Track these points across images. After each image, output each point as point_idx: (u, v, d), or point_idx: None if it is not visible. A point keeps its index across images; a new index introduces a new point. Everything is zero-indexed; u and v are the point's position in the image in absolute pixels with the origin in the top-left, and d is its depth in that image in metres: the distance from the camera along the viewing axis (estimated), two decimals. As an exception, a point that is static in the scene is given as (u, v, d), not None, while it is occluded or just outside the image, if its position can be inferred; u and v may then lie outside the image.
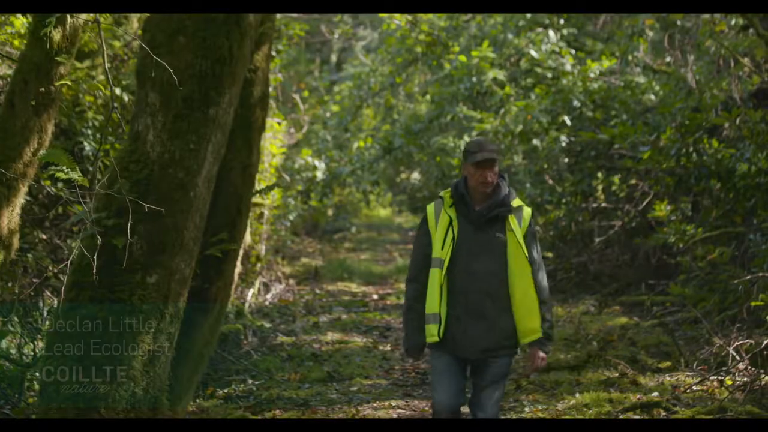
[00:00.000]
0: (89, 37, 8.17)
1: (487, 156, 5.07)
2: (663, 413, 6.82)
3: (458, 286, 5.13)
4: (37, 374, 6.32)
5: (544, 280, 5.22)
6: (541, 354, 5.17)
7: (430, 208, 5.29)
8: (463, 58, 13.86)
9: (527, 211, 5.24)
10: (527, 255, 5.11)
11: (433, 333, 5.14)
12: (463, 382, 5.30)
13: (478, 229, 5.13)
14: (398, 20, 14.67)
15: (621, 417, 6.81)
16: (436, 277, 5.15)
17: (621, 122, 11.43)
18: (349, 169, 14.51)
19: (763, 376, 7.23)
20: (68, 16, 5.79)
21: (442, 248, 5.13)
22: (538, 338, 5.16)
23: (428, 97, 16.43)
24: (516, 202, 5.21)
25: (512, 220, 5.14)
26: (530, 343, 5.18)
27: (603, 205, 12.90)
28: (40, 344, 6.74)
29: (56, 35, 5.79)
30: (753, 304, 7.66)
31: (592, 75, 12.68)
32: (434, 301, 5.15)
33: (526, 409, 7.25)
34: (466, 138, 13.02)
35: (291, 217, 15.46)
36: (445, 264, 5.13)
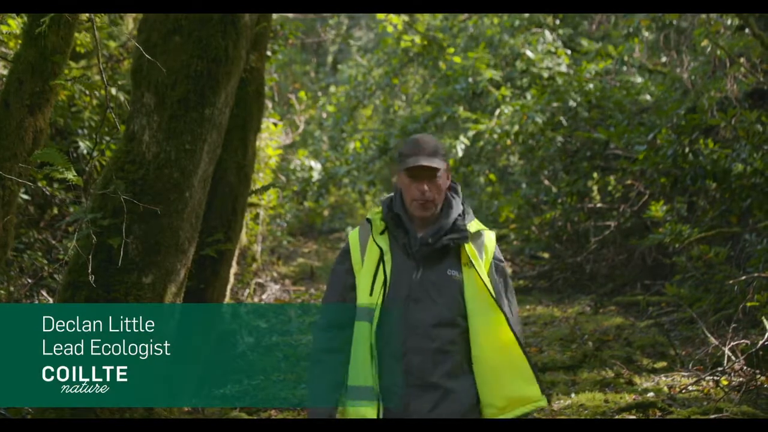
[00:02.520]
0: (84, 37, 8.16)
1: (423, 162, 3.67)
2: (659, 413, 6.82)
3: (395, 345, 3.75)
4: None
5: (521, 333, 3.84)
6: None
7: (354, 236, 3.88)
8: (458, 59, 13.86)
9: (490, 237, 3.86)
10: (495, 297, 3.74)
11: (365, 415, 3.74)
12: None
13: (422, 264, 3.75)
14: (394, 22, 14.66)
15: (617, 417, 6.81)
16: (364, 335, 3.76)
17: (617, 122, 11.43)
18: (345, 170, 14.50)
19: (758, 376, 7.23)
20: (63, 15, 5.78)
21: (371, 293, 3.75)
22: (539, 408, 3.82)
23: (425, 97, 16.42)
24: (474, 225, 3.82)
25: (470, 251, 3.76)
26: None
27: (599, 205, 12.90)
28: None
29: (51, 35, 5.78)
30: (749, 304, 7.66)
31: (588, 75, 12.69)
32: (365, 370, 3.75)
33: (522, 410, 7.23)
34: (462, 138, 13.01)
35: (287, 218, 15.46)
36: (376, 315, 3.73)
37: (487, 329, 3.74)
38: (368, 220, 3.86)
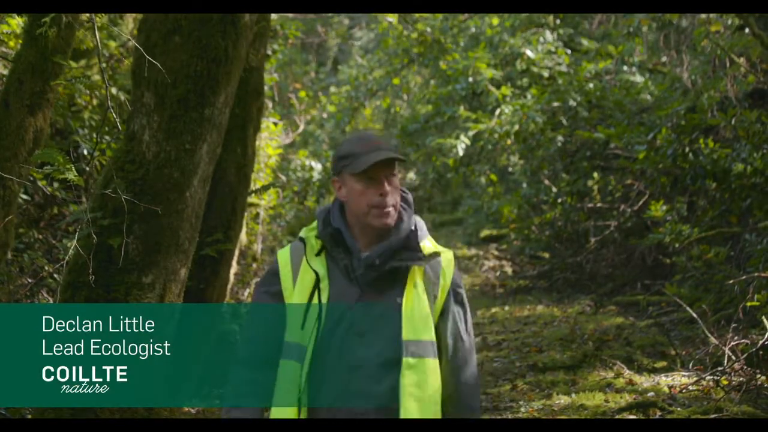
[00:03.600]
0: (84, 37, 8.16)
1: (383, 156, 3.07)
2: (659, 413, 6.82)
3: (333, 390, 3.10)
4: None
5: (471, 376, 3.25)
6: None
7: (284, 255, 3.24)
8: (456, 55, 13.85)
9: (449, 259, 3.22)
10: (446, 331, 3.18)
11: None
12: None
13: (367, 291, 3.12)
14: (391, 19, 14.67)
15: (617, 417, 6.81)
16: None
17: (617, 122, 11.44)
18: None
19: (758, 376, 7.23)
20: (63, 15, 5.78)
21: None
22: None
23: (425, 97, 16.42)
24: (429, 244, 3.22)
25: (420, 275, 3.15)
26: None
27: (599, 205, 12.90)
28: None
29: (51, 35, 5.78)
30: (749, 304, 7.66)
31: (588, 75, 12.69)
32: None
33: (522, 410, 7.24)
34: (463, 137, 13.01)
35: (287, 218, 15.45)
36: (308, 354, 3.09)
37: (416, 378, 3.10)
38: (300, 240, 3.21)
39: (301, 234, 3.25)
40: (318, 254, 3.19)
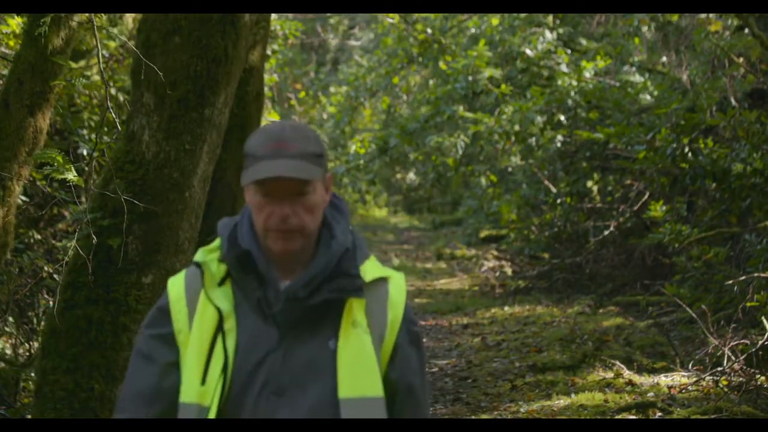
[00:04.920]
0: (84, 37, 8.16)
1: (283, 171, 2.27)
2: (658, 413, 6.83)
3: None
4: (33, 374, 6.32)
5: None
6: None
7: (176, 286, 2.44)
8: (457, 56, 13.86)
9: (399, 287, 2.46)
10: (398, 383, 2.42)
11: None
12: None
13: (289, 333, 2.34)
14: (392, 18, 14.68)
15: (616, 417, 6.81)
16: None
17: (616, 122, 11.44)
18: (345, 169, 14.52)
19: (758, 376, 7.24)
20: (63, 16, 5.78)
21: (204, 382, 2.34)
22: None
23: (425, 97, 16.43)
24: (372, 268, 2.44)
25: (361, 310, 2.38)
26: None
27: (598, 205, 12.91)
28: (36, 344, 6.73)
29: (51, 35, 5.78)
30: (748, 304, 7.67)
31: (587, 75, 12.69)
32: None
33: (522, 410, 7.25)
34: (462, 137, 13.02)
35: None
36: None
37: None
38: (196, 266, 2.40)
39: (197, 257, 2.41)
40: (221, 284, 2.37)
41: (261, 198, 2.32)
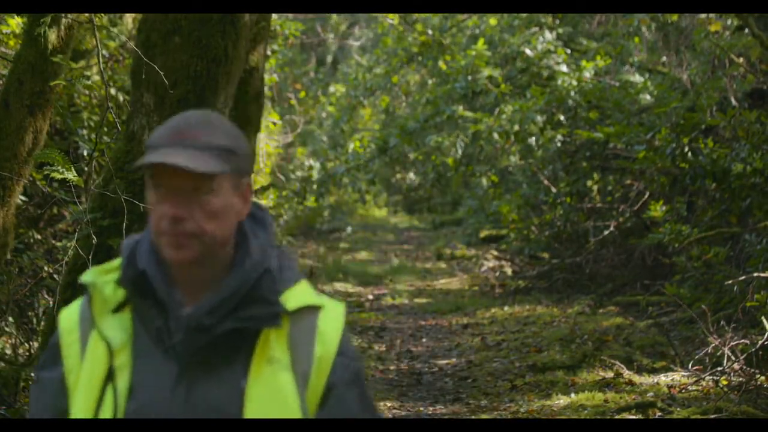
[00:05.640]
0: (84, 37, 8.16)
1: (171, 159, 1.88)
2: (658, 413, 6.83)
3: None
4: (33, 374, 6.32)
5: None
6: None
7: (68, 316, 2.06)
8: (457, 56, 13.86)
9: (333, 315, 2.05)
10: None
11: None
12: None
13: (192, 368, 1.95)
14: (391, 19, 14.69)
15: (616, 417, 6.81)
16: None
17: (616, 122, 11.44)
18: (345, 169, 14.53)
19: (758, 376, 7.24)
20: (63, 16, 5.78)
21: None
22: None
23: (424, 96, 16.44)
24: (299, 293, 2.02)
25: (281, 342, 1.98)
26: None
27: (598, 205, 12.91)
28: (36, 344, 6.74)
29: (51, 35, 5.78)
30: (748, 304, 7.67)
31: (587, 75, 12.69)
32: None
33: (522, 410, 7.25)
34: (462, 137, 13.02)
35: (286, 217, 15.47)
36: None
37: None
38: (85, 292, 2.02)
39: (86, 277, 2.01)
40: (117, 311, 1.99)
41: (153, 194, 1.94)
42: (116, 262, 2.03)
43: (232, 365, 1.95)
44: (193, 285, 1.98)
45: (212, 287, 1.97)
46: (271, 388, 1.95)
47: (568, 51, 13.75)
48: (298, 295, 2.01)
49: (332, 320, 2.03)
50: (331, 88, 19.71)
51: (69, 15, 5.75)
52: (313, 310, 2.02)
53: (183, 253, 1.92)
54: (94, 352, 1.97)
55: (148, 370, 1.94)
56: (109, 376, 1.94)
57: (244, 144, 2.04)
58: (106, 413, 1.92)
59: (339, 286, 14.53)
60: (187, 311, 1.95)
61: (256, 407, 1.93)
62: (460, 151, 13.14)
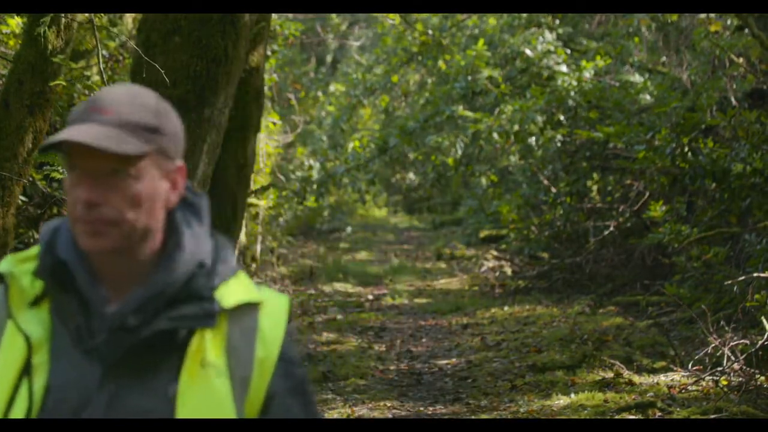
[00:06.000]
0: (84, 37, 8.16)
1: (79, 136, 1.67)
2: (658, 413, 6.83)
3: None
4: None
5: None
6: None
7: None
8: (456, 56, 13.87)
9: (275, 311, 1.85)
10: None
11: None
12: None
13: (116, 372, 1.73)
14: (392, 19, 14.69)
15: (616, 417, 6.81)
16: None
17: (616, 122, 11.45)
18: (344, 169, 14.53)
19: (758, 376, 7.24)
20: (63, 16, 5.78)
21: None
22: None
23: (424, 96, 16.44)
24: (236, 288, 1.81)
25: (217, 344, 1.77)
26: None
27: (598, 205, 12.91)
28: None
29: (51, 35, 5.78)
30: (748, 304, 7.67)
31: (587, 75, 12.69)
32: None
33: (522, 410, 7.25)
34: (462, 137, 13.01)
35: (286, 218, 15.47)
36: None
37: None
38: (2, 277, 1.82)
39: (2, 267, 1.82)
40: (35, 304, 1.78)
41: (69, 177, 1.73)
42: (34, 249, 1.82)
43: (161, 370, 1.74)
44: (119, 280, 1.77)
45: (140, 283, 1.76)
46: (205, 395, 1.74)
47: (568, 51, 13.76)
48: (235, 290, 1.81)
49: (275, 317, 1.84)
50: (331, 88, 19.72)
51: (69, 15, 5.75)
52: (253, 307, 1.82)
53: (98, 241, 1.71)
54: (11, 346, 1.76)
55: (67, 372, 1.73)
56: (25, 372, 1.74)
57: (173, 123, 1.81)
58: (17, 413, 1.72)
59: (339, 286, 14.53)
60: (112, 309, 1.75)
61: (187, 415, 1.73)
62: (459, 151, 13.14)
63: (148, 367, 1.74)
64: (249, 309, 1.81)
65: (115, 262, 1.76)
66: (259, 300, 1.83)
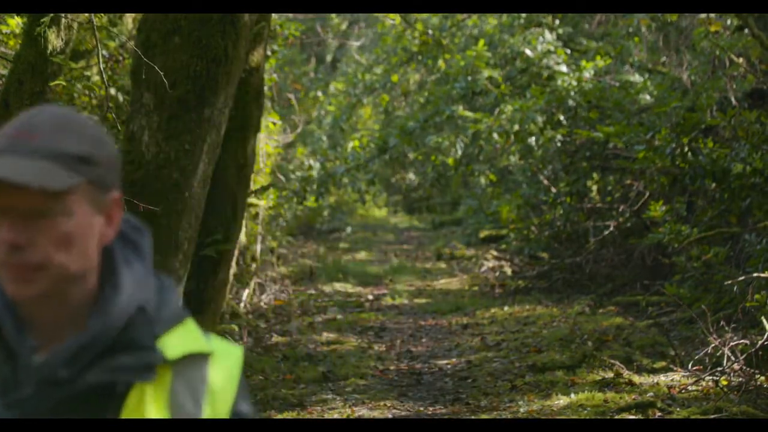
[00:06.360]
0: (84, 37, 8.16)
1: (3, 169, 1.46)
2: (658, 413, 6.83)
3: None
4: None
5: None
6: None
7: None
8: (456, 56, 13.87)
9: (226, 366, 1.65)
10: None
11: None
12: None
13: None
14: (392, 19, 14.70)
15: (616, 417, 6.81)
16: None
17: (616, 122, 11.45)
18: (344, 169, 14.52)
19: (758, 376, 7.24)
20: (63, 16, 5.79)
21: None
22: None
23: (423, 96, 16.44)
24: (183, 336, 1.60)
25: (159, 399, 1.55)
26: None
27: (598, 205, 12.91)
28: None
29: (51, 35, 5.78)
30: (748, 304, 7.67)
31: (587, 75, 12.69)
32: None
33: (522, 410, 7.25)
34: (462, 137, 13.01)
35: (287, 218, 15.47)
36: None
37: None
38: None
39: None
40: None
41: None
42: None
43: None
44: (50, 327, 1.56)
45: (72, 330, 1.56)
46: None
47: (568, 51, 13.76)
48: (181, 339, 1.59)
49: (226, 371, 1.64)
50: (331, 88, 19.72)
51: (69, 15, 5.75)
52: (201, 358, 1.61)
53: (25, 289, 1.51)
54: None
55: None
56: None
57: (108, 150, 1.58)
58: None
59: (339, 286, 14.53)
60: (39, 360, 1.53)
61: None
62: (459, 151, 13.14)
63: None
64: (197, 361, 1.61)
65: (44, 309, 1.56)
66: (209, 351, 1.62)
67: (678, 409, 6.87)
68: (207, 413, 1.59)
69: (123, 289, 1.56)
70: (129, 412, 1.53)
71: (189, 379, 1.59)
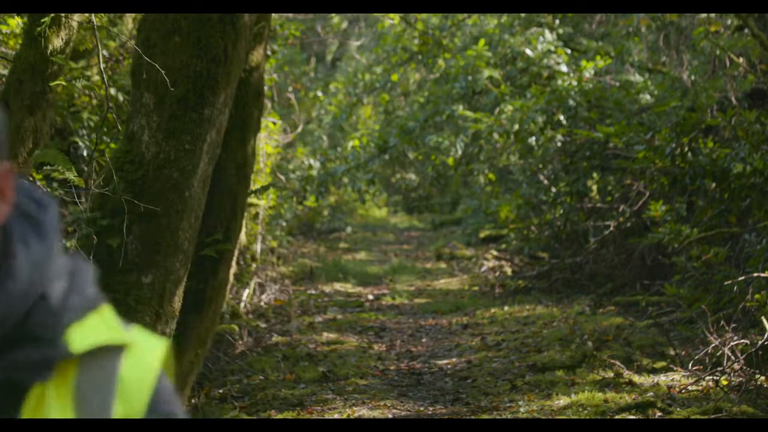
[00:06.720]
0: (84, 37, 8.16)
1: None
2: (658, 413, 6.83)
3: None
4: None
5: None
6: None
7: None
8: (457, 56, 13.87)
9: (142, 359, 1.39)
10: None
11: None
12: None
13: None
14: (392, 19, 14.70)
15: (616, 417, 6.81)
16: None
17: (616, 122, 11.45)
18: (344, 168, 14.52)
19: (758, 376, 7.24)
20: (63, 16, 5.78)
21: None
22: None
23: (423, 96, 16.44)
24: (93, 327, 1.36)
25: (63, 397, 1.33)
26: None
27: (598, 205, 12.91)
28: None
29: (51, 35, 5.78)
30: (748, 304, 7.67)
31: (587, 75, 12.70)
32: None
33: (522, 410, 7.25)
34: (462, 137, 13.00)
35: (287, 218, 15.47)
36: None
37: None
38: None
39: None
40: None
41: None
42: None
43: None
44: None
45: None
46: None
47: (568, 51, 13.76)
48: (92, 329, 1.38)
49: (142, 365, 1.40)
50: (331, 87, 19.72)
51: (69, 15, 5.75)
52: (113, 350, 1.39)
53: None
54: None
55: None
56: None
57: None
58: None
59: (339, 286, 14.54)
60: None
61: None
62: (459, 151, 13.14)
63: None
64: (108, 354, 1.38)
65: None
66: (123, 342, 1.39)
67: (678, 409, 6.87)
68: (118, 412, 1.37)
69: (17, 275, 1.33)
70: (29, 411, 1.33)
71: (96, 374, 1.37)
